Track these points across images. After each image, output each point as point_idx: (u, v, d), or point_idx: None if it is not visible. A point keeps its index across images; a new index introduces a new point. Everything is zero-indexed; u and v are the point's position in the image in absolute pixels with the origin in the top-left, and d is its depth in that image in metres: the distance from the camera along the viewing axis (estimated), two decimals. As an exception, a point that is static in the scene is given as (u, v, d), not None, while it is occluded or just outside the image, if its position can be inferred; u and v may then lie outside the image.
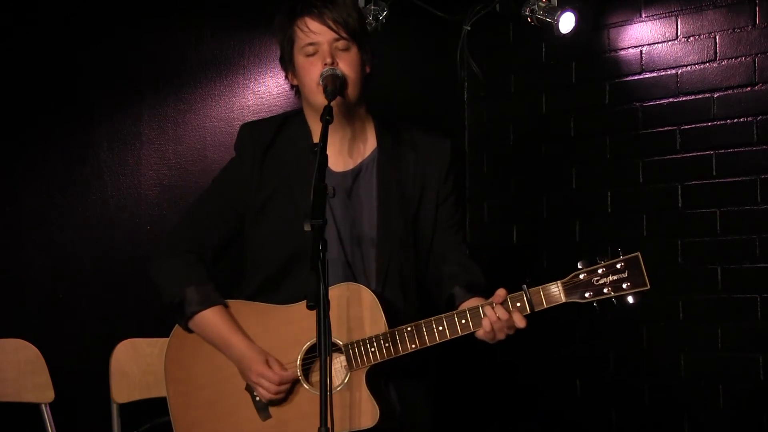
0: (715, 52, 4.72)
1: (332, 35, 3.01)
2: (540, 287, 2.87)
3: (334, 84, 2.96)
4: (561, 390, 5.18)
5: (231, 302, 3.14)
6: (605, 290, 2.83)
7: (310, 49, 3.02)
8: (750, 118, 4.62)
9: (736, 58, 4.66)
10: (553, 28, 4.91)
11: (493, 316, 2.87)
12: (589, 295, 2.84)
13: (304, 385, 3.01)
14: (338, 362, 2.97)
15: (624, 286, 2.82)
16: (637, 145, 4.96)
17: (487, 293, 2.97)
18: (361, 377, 2.94)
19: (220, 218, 3.19)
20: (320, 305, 2.55)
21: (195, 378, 3.15)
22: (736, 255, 4.65)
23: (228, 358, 3.10)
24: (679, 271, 4.81)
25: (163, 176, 4.28)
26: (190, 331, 3.14)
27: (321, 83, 2.97)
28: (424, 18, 5.11)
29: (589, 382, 5.11)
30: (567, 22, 4.92)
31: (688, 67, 4.80)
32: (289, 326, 3.04)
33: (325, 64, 3.00)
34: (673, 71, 4.85)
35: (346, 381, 2.96)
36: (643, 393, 4.93)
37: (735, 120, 4.66)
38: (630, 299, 2.82)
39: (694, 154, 4.77)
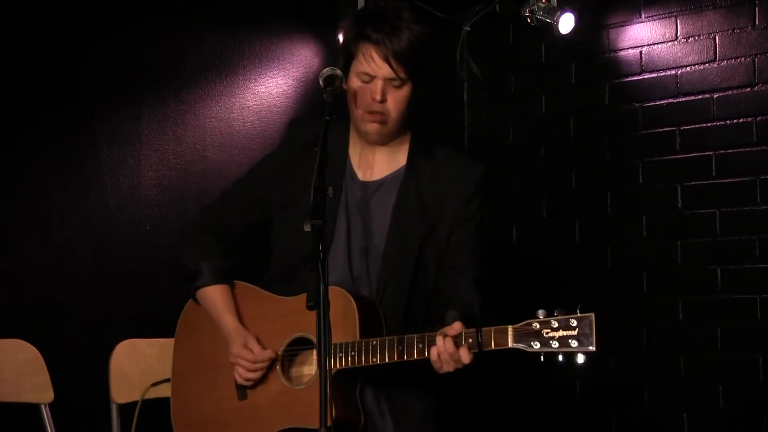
0: (715, 53, 4.72)
1: (390, 73, 3.03)
2: (492, 328, 2.86)
3: (333, 84, 2.97)
4: (560, 391, 5.17)
5: (239, 284, 3.28)
6: (553, 344, 2.80)
7: (366, 77, 3.06)
8: (750, 119, 4.61)
9: (736, 58, 4.66)
10: (553, 28, 4.91)
11: (441, 346, 2.87)
12: (537, 345, 2.81)
13: (281, 377, 3.10)
14: (313, 359, 3.06)
15: (572, 343, 2.78)
16: (636, 146, 4.95)
17: (475, 323, 2.94)
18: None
19: (246, 204, 3.31)
20: (320, 305, 2.55)
21: (197, 347, 3.32)
22: (735, 256, 4.64)
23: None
24: (679, 271, 4.81)
25: (162, 177, 4.28)
26: (198, 302, 3.28)
27: (321, 83, 2.99)
28: (423, 18, 5.07)
29: (588, 382, 5.10)
30: (567, 23, 4.92)
31: (688, 68, 4.80)
32: (282, 318, 3.12)
33: (374, 99, 3.04)
34: (673, 72, 4.84)
35: (313, 380, 3.03)
36: (642, 393, 4.92)
37: (735, 120, 4.65)
38: (578, 359, 2.78)
39: (694, 154, 4.77)
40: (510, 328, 2.84)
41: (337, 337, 2.97)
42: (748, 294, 4.60)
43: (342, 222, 3.14)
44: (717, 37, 4.71)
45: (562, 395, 5.17)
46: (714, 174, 4.71)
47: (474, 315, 3.06)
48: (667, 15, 4.87)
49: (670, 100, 4.85)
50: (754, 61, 4.61)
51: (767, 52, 4.57)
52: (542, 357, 2.84)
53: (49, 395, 3.58)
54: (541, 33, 5.02)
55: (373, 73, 3.04)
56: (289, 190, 3.18)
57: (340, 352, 2.98)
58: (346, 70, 3.11)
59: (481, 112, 5.57)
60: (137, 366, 3.69)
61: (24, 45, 3.93)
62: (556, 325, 2.81)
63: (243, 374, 3.13)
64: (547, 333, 2.81)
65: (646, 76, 4.93)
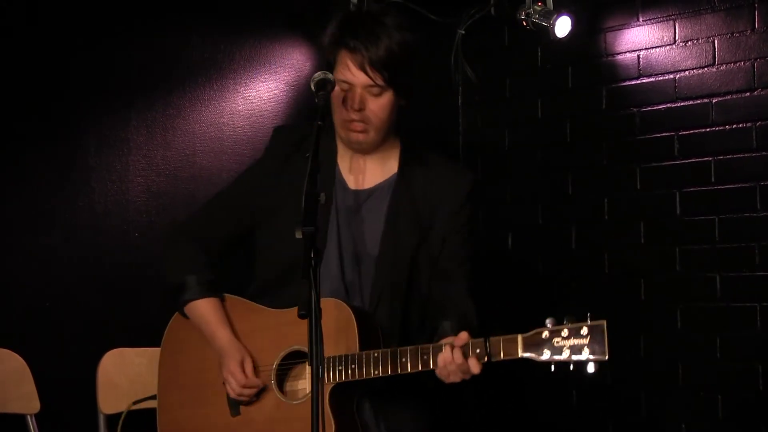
0: (714, 57, 4.69)
1: (366, 80, 3.01)
2: (501, 337, 2.82)
3: (325, 88, 2.95)
4: (557, 400, 5.14)
5: (228, 297, 3.23)
6: (564, 353, 2.76)
7: (345, 85, 3.04)
8: (749, 124, 4.58)
9: (735, 62, 4.63)
10: (549, 32, 4.89)
11: (449, 357, 2.84)
12: (547, 355, 2.77)
13: (275, 392, 3.07)
14: (308, 373, 3.02)
15: (583, 352, 2.74)
16: (634, 151, 4.93)
17: (474, 333, 2.91)
18: (325, 392, 2.94)
19: (232, 214, 3.27)
20: (311, 314, 2.52)
21: (184, 362, 3.28)
22: (735, 263, 4.61)
23: (213, 349, 3.18)
24: (678, 278, 4.78)
25: (151, 182, 4.25)
26: (186, 316, 3.24)
27: (312, 87, 2.96)
28: (418, 21, 5.06)
29: (585, 392, 5.08)
30: (563, 26, 4.89)
31: (687, 72, 4.77)
32: (275, 330, 3.10)
33: (351, 108, 3.03)
34: (671, 76, 4.81)
35: (309, 395, 2.97)
36: (640, 403, 4.89)
37: (734, 126, 4.62)
38: (588, 367, 2.73)
39: (693, 160, 4.74)
40: (519, 338, 2.80)
41: (336, 350, 2.95)
42: (747, 302, 4.57)
43: (333, 230, 3.12)
44: (716, 41, 4.68)
45: (559, 404, 5.15)
46: (713, 180, 4.68)
47: (471, 324, 3.03)
48: (665, 18, 4.84)
49: (669, 105, 4.82)
50: (753, 66, 4.58)
51: (767, 56, 4.54)
52: (552, 366, 2.78)
53: (35, 405, 3.56)
54: (537, 36, 4.99)
55: (350, 81, 3.03)
56: (278, 197, 3.16)
57: (339, 364, 2.94)
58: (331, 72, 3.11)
59: (476, 116, 5.56)
60: (125, 376, 3.68)
61: (12, 49, 3.90)
62: (567, 333, 2.76)
63: (236, 390, 3.10)
64: (557, 342, 2.76)
65: (644, 81, 4.90)
